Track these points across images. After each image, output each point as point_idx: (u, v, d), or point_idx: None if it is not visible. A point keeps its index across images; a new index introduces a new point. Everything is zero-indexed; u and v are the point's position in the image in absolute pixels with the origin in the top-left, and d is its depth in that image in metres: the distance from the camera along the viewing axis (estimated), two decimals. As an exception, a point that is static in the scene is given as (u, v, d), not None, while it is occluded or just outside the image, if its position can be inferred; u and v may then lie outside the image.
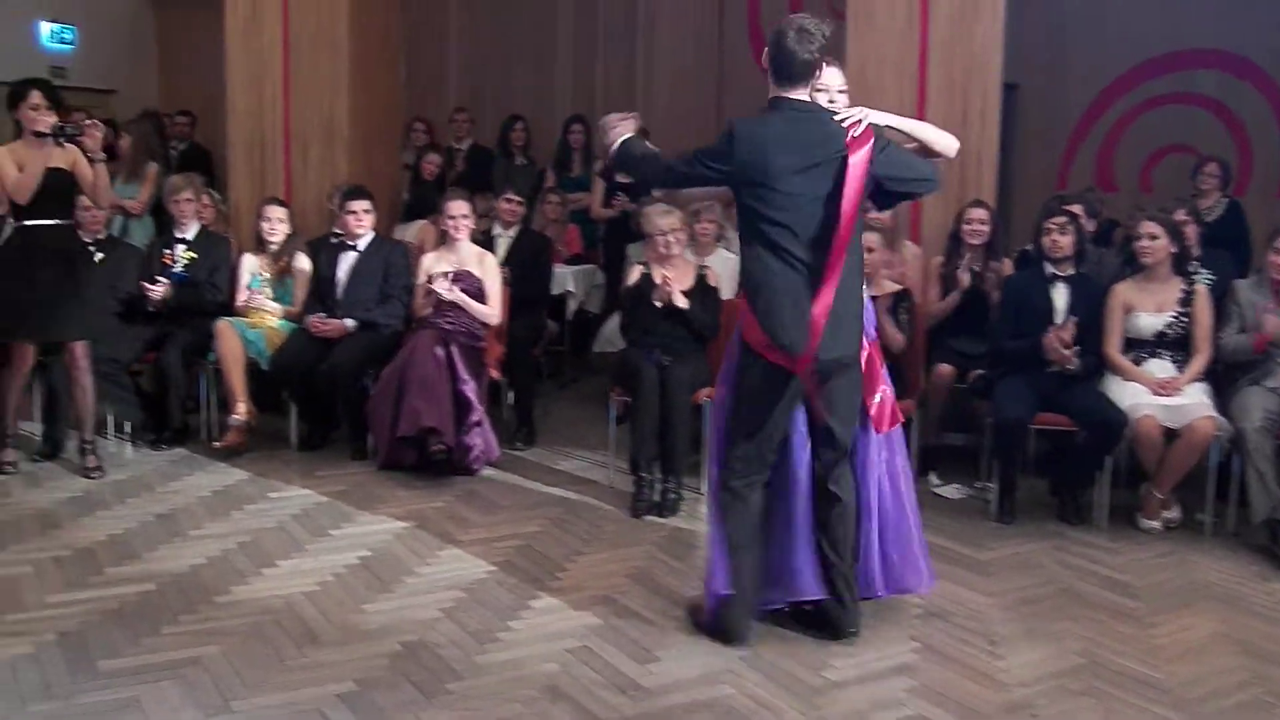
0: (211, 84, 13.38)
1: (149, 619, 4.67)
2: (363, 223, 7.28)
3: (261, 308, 7.27)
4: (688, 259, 6.72)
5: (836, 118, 4.40)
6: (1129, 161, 11.23)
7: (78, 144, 6.36)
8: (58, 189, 6.44)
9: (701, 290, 6.53)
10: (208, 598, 4.91)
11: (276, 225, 7.40)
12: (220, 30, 13.49)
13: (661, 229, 6.52)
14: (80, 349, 6.58)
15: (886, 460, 4.76)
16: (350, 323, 7.01)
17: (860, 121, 4.36)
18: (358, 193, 7.34)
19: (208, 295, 7.38)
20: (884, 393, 4.69)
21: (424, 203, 9.10)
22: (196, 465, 6.88)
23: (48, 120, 6.33)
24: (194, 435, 7.39)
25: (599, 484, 6.66)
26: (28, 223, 6.42)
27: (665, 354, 6.36)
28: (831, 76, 4.63)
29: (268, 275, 7.38)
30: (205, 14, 13.31)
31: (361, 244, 7.28)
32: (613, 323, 8.08)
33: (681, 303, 6.37)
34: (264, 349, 7.06)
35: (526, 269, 7.67)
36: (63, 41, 12.29)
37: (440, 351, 6.63)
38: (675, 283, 6.43)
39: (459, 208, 7.09)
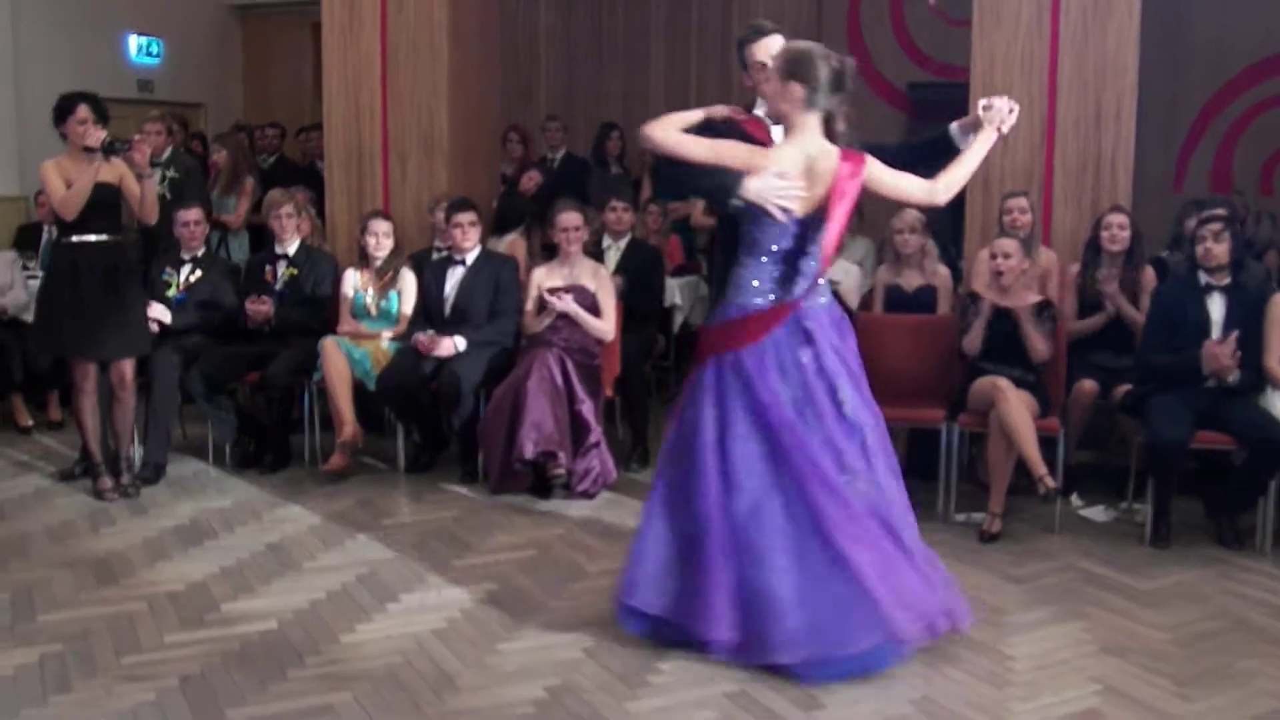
0: (296, 96, 13.40)
1: (274, 661, 4.41)
2: (469, 236, 7.00)
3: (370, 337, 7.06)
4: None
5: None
6: (1248, 161, 10.77)
7: (126, 160, 6.22)
8: (104, 204, 6.29)
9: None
10: (332, 637, 4.63)
11: (381, 240, 7.14)
12: (305, 42, 13.56)
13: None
14: (128, 368, 6.45)
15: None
16: (460, 341, 6.72)
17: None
18: (464, 205, 7.05)
19: (310, 313, 7.13)
20: None
21: (514, 214, 8.80)
22: (302, 490, 6.63)
23: (97, 135, 6.16)
24: (297, 458, 7.14)
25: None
26: (74, 239, 6.27)
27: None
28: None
29: (372, 291, 7.13)
30: (290, 26, 13.35)
31: (469, 258, 7.00)
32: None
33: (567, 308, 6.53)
34: (370, 368, 6.80)
35: (638, 281, 7.36)
36: (150, 55, 12.17)
37: (556, 370, 6.35)
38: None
39: (572, 219, 6.81)
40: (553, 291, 6.70)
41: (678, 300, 8.29)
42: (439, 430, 6.91)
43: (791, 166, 4.26)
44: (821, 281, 4.44)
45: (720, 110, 4.59)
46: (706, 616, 4.27)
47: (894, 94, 11.46)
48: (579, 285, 6.77)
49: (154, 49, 12.21)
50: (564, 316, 6.66)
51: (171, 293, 7.20)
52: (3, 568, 5.43)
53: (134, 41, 12.01)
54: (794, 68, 4.27)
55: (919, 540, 4.51)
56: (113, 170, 6.27)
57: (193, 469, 7.04)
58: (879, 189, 4.41)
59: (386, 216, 7.34)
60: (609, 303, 6.80)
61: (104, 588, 5.17)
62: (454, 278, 6.97)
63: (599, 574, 5.32)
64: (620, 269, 7.41)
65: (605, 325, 6.74)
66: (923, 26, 11.36)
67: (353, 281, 7.18)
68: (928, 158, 4.59)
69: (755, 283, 4.38)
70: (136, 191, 6.32)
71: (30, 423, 7.94)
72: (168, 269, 7.30)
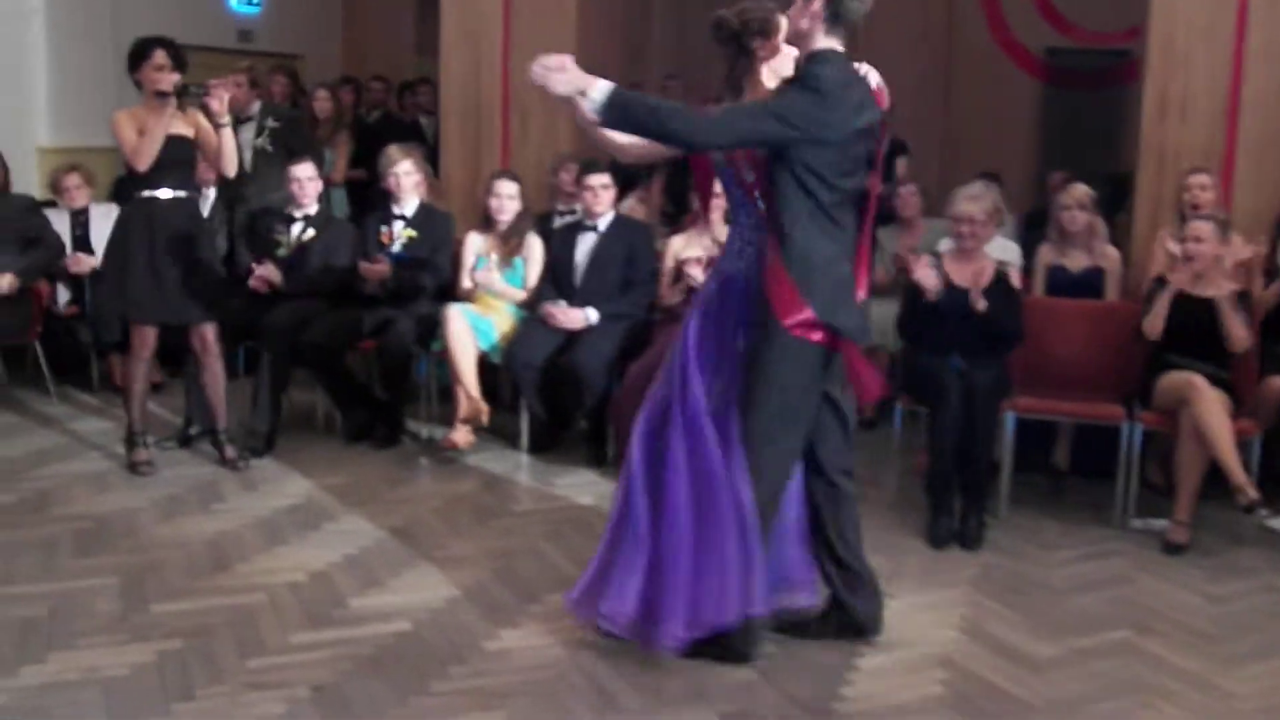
0: (395, 49, 12.94)
1: (413, 670, 3.96)
2: (602, 200, 6.50)
3: (499, 291, 6.53)
4: (984, 254, 5.81)
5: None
6: None
7: (201, 107, 5.80)
8: (178, 159, 5.87)
9: (1004, 290, 5.65)
10: (474, 643, 4.18)
11: (506, 202, 6.65)
12: (408, -6, 13.11)
13: (961, 215, 5.66)
14: (209, 332, 6.06)
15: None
16: (593, 313, 6.24)
17: None
18: (597, 166, 6.52)
19: (429, 277, 6.67)
20: None
21: (630, 177, 8.28)
22: (421, 468, 6.21)
23: (170, 79, 5.72)
24: (413, 432, 6.70)
25: (881, 503, 5.81)
26: (146, 194, 5.86)
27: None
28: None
29: (495, 257, 6.65)
30: (391, -24, 12.88)
31: (602, 224, 6.50)
32: (878, 315, 7.25)
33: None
34: (495, 339, 6.34)
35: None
36: (250, 3, 11.75)
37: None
38: (969, 278, 5.58)
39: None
40: (694, 262, 6.19)
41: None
42: (566, 408, 6.42)
43: None
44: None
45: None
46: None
47: (1030, 60, 10.81)
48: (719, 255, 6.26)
49: (255, -3, 11.80)
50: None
51: (282, 252, 6.78)
52: (111, 548, 5.04)
53: (235, -11, 11.59)
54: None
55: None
56: (187, 122, 5.88)
57: (302, 440, 6.62)
58: None
59: (514, 177, 6.83)
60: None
61: (219, 575, 4.76)
62: (585, 245, 6.48)
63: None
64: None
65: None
66: (1062, -12, 10.71)
67: (475, 246, 6.71)
68: None
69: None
70: (214, 141, 5.89)
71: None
72: (278, 227, 6.87)
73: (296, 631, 4.24)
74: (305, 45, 12.23)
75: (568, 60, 3.69)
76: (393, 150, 6.91)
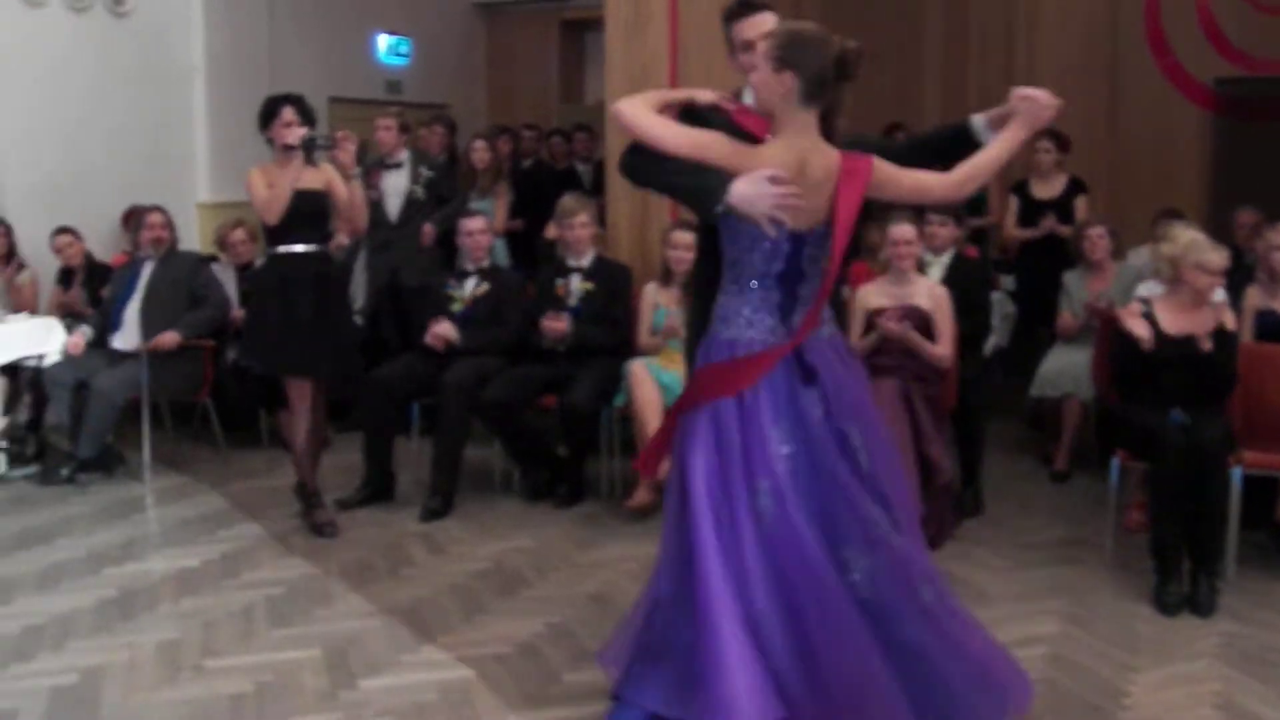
0: (541, 96, 12.93)
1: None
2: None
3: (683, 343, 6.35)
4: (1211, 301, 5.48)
5: None
6: None
7: (331, 160, 5.78)
8: (310, 211, 5.84)
9: (1222, 334, 5.33)
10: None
11: (684, 253, 6.45)
12: (551, 39, 13.10)
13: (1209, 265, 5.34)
14: (324, 389, 6.10)
15: None
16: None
17: None
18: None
19: (608, 331, 6.51)
20: None
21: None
22: (607, 529, 6.02)
23: (296, 133, 5.72)
24: (592, 490, 6.53)
25: (1100, 564, 5.48)
26: (280, 249, 5.85)
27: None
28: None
29: (674, 309, 6.47)
30: (536, 23, 12.92)
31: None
32: (1052, 362, 6.96)
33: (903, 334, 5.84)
34: (680, 394, 6.14)
35: (967, 301, 6.54)
36: (398, 54, 11.81)
37: (900, 403, 5.61)
38: (1190, 326, 5.27)
39: (904, 232, 6.05)
40: (881, 312, 5.96)
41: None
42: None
43: (783, 169, 3.44)
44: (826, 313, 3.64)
45: (706, 95, 3.77)
46: None
47: (1197, 90, 10.38)
48: (912, 305, 6.02)
49: (402, 48, 11.84)
50: (895, 340, 5.91)
51: (456, 307, 6.67)
52: (307, 616, 4.92)
53: (383, 41, 11.65)
54: (788, 54, 3.45)
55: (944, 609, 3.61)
56: (318, 176, 5.86)
57: (481, 500, 6.48)
58: (892, 192, 3.57)
59: (691, 227, 6.64)
60: (946, 326, 6.03)
61: (424, 646, 4.60)
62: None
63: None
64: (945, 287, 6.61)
65: (944, 351, 5.97)
66: (1231, 15, 10.26)
67: (653, 298, 6.54)
68: (944, 153, 3.71)
69: (745, 313, 3.58)
70: (344, 195, 5.87)
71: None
72: (451, 282, 6.78)
73: (516, 711, 4.06)
74: (452, 94, 12.26)
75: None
76: (568, 201, 6.78)
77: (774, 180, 3.40)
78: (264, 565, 5.56)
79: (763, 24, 3.79)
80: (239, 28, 9.92)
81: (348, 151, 5.78)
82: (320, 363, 5.95)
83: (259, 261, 7.74)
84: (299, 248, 5.84)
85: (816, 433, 3.53)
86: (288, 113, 5.80)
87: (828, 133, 3.53)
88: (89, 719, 4.06)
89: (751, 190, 3.41)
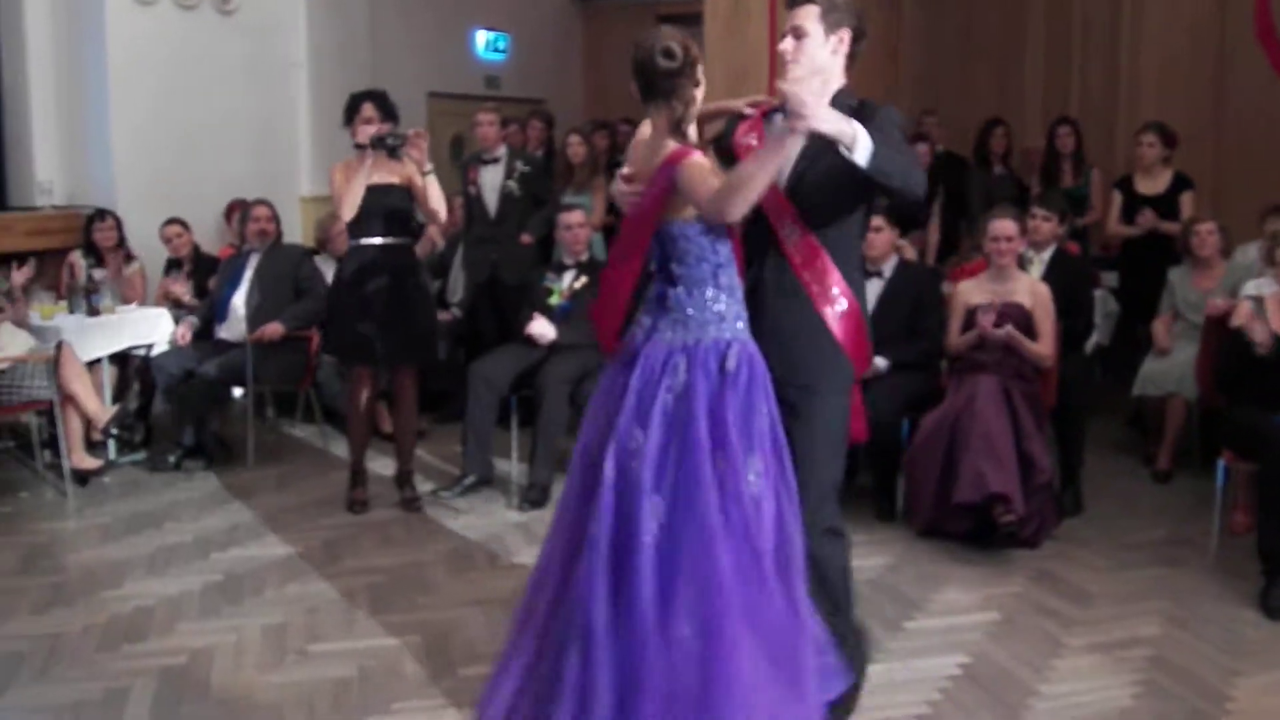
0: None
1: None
2: (878, 245, 6.26)
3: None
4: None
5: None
6: None
7: (399, 157, 5.89)
8: (386, 206, 6.00)
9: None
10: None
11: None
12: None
13: None
14: (409, 379, 6.26)
15: None
16: (881, 362, 5.98)
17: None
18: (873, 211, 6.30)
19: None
20: None
21: (907, 219, 8.03)
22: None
23: (366, 131, 5.92)
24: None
25: (1203, 567, 5.39)
26: (360, 241, 6.04)
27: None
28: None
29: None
30: (632, 18, 12.92)
31: (886, 269, 6.27)
32: (1154, 361, 6.84)
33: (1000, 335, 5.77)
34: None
35: (1068, 299, 6.46)
36: (496, 50, 11.92)
37: (1001, 400, 5.56)
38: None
39: (1005, 228, 5.98)
40: (985, 309, 5.91)
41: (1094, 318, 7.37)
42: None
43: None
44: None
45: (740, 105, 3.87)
46: None
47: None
48: (1012, 302, 5.97)
49: (500, 44, 11.96)
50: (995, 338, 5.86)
51: (554, 300, 6.72)
52: (408, 604, 5.00)
53: (481, 37, 11.76)
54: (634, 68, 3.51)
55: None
56: (398, 170, 5.97)
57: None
58: (693, 198, 3.38)
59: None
60: (1047, 323, 5.96)
61: (522, 635, 4.65)
62: (871, 291, 6.21)
63: (1083, 649, 4.51)
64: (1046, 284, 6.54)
65: (1044, 349, 5.91)
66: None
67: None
68: None
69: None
70: (420, 189, 6.00)
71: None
72: (549, 275, 6.84)
73: (612, 700, 4.09)
74: (549, 90, 12.35)
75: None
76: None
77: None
78: (365, 553, 5.65)
79: (802, 15, 3.68)
80: (341, 24, 10.07)
81: (420, 148, 5.88)
82: (390, 353, 6.10)
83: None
84: (376, 240, 6.00)
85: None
86: (367, 109, 6.01)
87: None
88: (198, 698, 4.16)
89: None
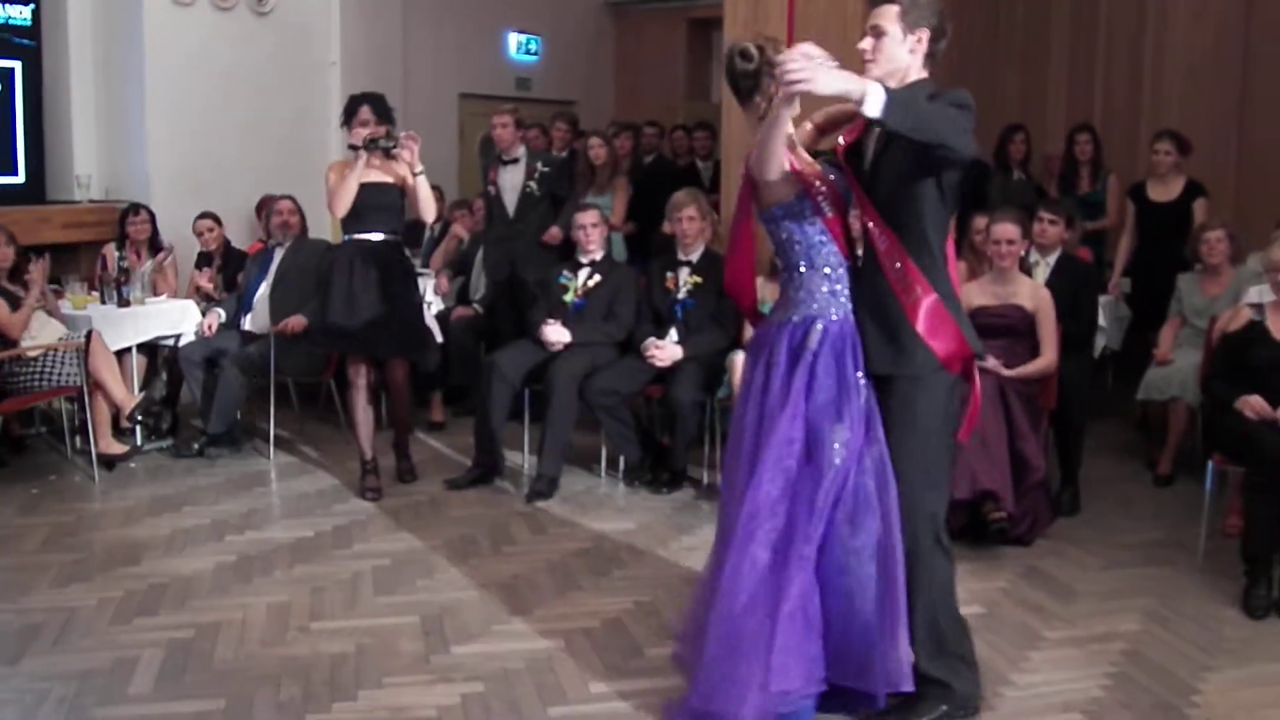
0: (666, 93, 13.11)
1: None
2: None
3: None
4: None
5: None
6: None
7: (393, 157, 6.18)
8: (379, 204, 6.33)
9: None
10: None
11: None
12: (678, 37, 13.28)
13: None
14: (400, 369, 6.59)
15: None
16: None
17: None
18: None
19: (714, 323, 6.66)
20: None
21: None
22: (704, 515, 6.15)
23: (359, 133, 6.23)
24: (694, 479, 6.70)
25: (1191, 567, 5.47)
26: (354, 236, 6.36)
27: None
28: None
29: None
30: (663, 21, 13.10)
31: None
32: (1159, 366, 6.90)
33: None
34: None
35: (1073, 302, 6.55)
36: (528, 52, 12.10)
37: (995, 400, 5.66)
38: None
39: (1008, 231, 6.09)
40: (984, 311, 6.02)
41: (1100, 321, 7.44)
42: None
43: None
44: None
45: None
46: None
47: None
48: (1014, 305, 6.07)
49: (532, 46, 12.14)
50: (997, 339, 5.96)
51: (569, 297, 6.88)
52: (409, 586, 5.18)
53: (514, 39, 11.94)
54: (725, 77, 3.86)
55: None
56: (391, 170, 6.28)
57: (584, 484, 6.71)
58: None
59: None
60: (1048, 328, 6.06)
61: (516, 618, 4.81)
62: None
63: (1060, 642, 4.62)
64: (1050, 288, 6.61)
65: (1045, 360, 5.98)
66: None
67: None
68: None
69: None
70: (412, 189, 6.29)
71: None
72: (565, 273, 6.99)
73: (596, 681, 4.24)
74: (580, 92, 12.53)
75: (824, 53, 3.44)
76: (679, 195, 6.93)
77: None
78: (374, 538, 5.83)
79: (880, 15, 3.75)
80: (374, 25, 10.28)
81: (411, 150, 6.15)
82: (377, 345, 6.41)
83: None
84: (368, 236, 6.31)
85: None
86: (364, 112, 6.31)
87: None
88: (201, 668, 4.34)
89: None
